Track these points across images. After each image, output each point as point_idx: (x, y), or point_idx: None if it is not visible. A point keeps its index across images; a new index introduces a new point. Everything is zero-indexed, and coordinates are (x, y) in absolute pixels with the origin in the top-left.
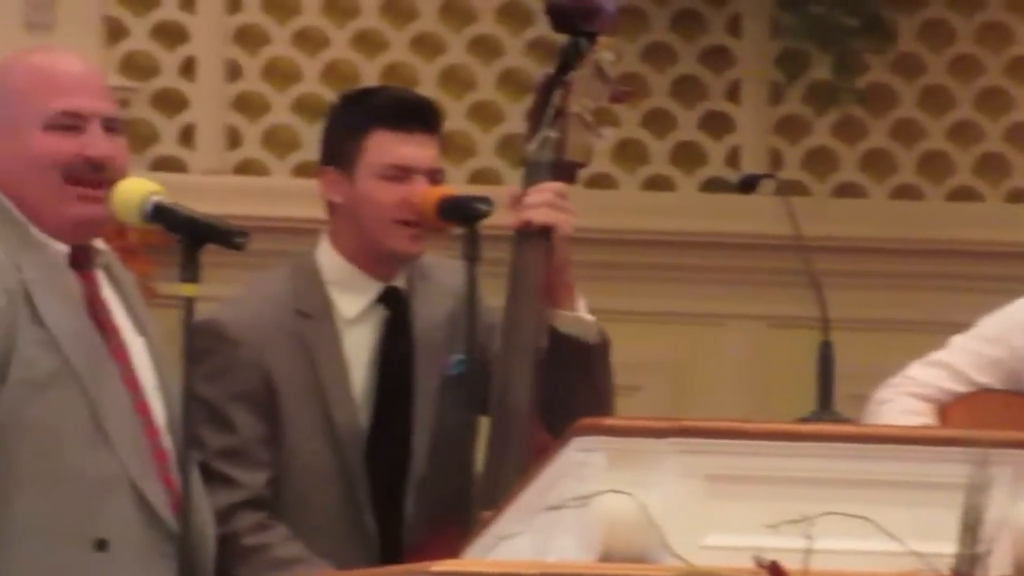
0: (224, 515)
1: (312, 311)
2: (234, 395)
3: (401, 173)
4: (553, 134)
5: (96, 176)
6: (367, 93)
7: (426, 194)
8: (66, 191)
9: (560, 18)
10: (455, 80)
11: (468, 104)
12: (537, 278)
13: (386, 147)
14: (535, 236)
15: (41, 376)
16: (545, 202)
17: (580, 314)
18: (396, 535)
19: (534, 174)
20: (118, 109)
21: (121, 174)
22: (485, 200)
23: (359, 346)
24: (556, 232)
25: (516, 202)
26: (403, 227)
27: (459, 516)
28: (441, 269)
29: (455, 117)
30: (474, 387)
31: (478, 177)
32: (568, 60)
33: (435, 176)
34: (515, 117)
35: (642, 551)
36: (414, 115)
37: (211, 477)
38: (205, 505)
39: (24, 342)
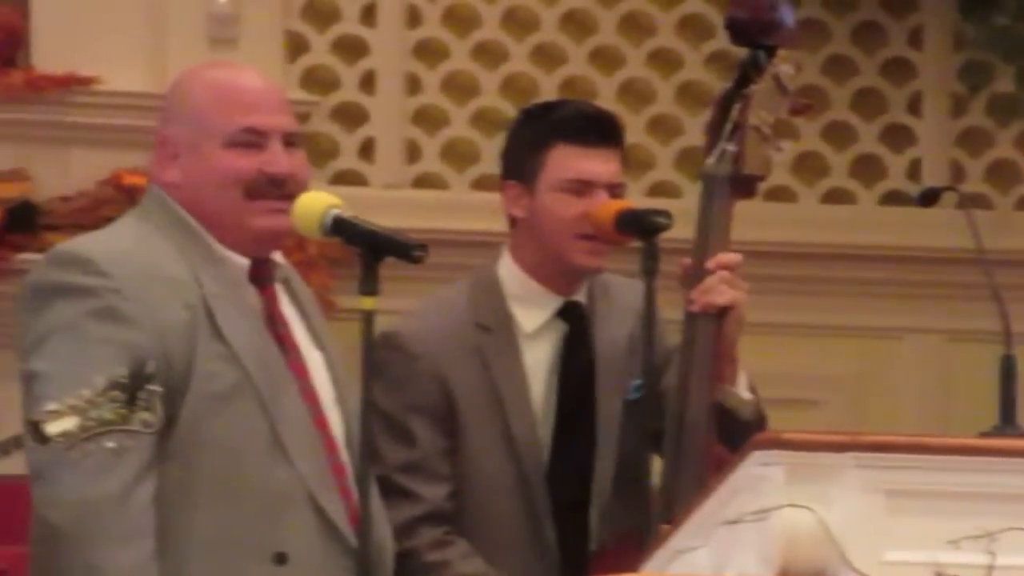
0: (404, 530)
1: (492, 324)
2: (414, 408)
3: (582, 187)
4: (731, 147)
5: (277, 191)
6: (549, 107)
7: (604, 207)
8: (247, 206)
9: (740, 32)
10: (634, 93)
11: (647, 117)
12: (709, 354)
13: (568, 161)
14: (712, 314)
15: (221, 390)
16: (723, 280)
17: (740, 391)
18: (577, 549)
19: (712, 188)
20: (297, 124)
21: (301, 188)
22: (664, 213)
23: (538, 360)
24: (732, 311)
25: (690, 277)
26: (584, 241)
27: (639, 530)
28: (622, 288)
29: (634, 130)
30: (652, 412)
31: (657, 190)
32: (747, 73)
33: (616, 190)
34: (694, 130)
35: (821, 566)
36: (596, 129)
37: (391, 491)
38: (384, 519)
39: (205, 356)
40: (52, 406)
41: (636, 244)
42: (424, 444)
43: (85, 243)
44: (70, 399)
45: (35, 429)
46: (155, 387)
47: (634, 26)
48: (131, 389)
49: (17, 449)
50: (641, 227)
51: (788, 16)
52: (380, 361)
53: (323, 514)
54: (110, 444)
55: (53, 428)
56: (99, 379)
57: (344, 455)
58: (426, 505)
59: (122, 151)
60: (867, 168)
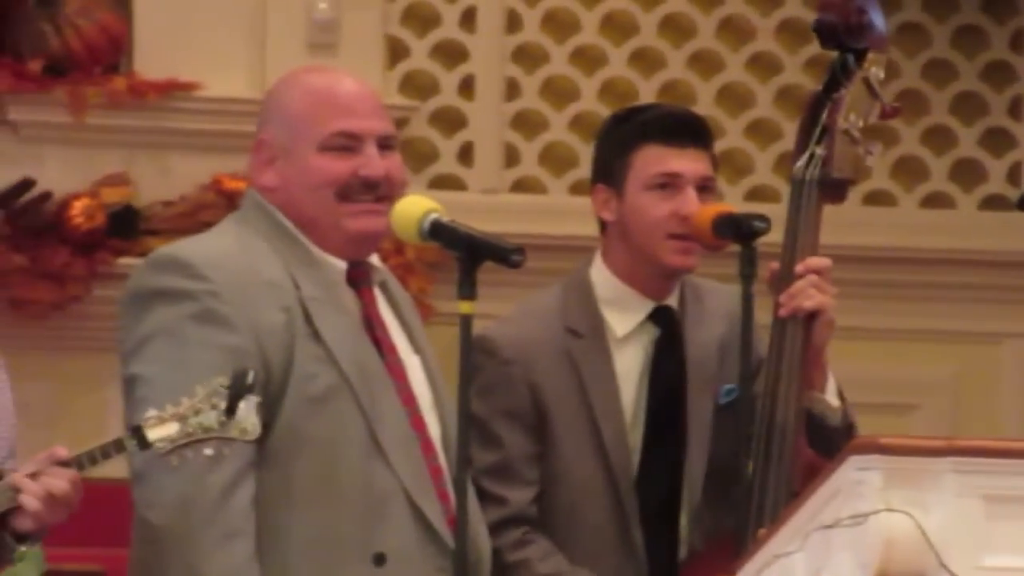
0: (489, 531)
1: (583, 330)
2: (503, 412)
3: (670, 181)
4: (821, 151)
5: (370, 194)
6: (636, 110)
7: (702, 212)
8: (341, 208)
9: (828, 35)
10: (732, 97)
11: (745, 122)
12: (798, 359)
13: (655, 159)
14: (800, 319)
15: (319, 391)
16: (811, 284)
17: (828, 397)
18: (666, 554)
19: (801, 191)
20: (394, 127)
21: (398, 191)
22: (762, 218)
23: (629, 364)
24: (821, 316)
25: (778, 281)
26: (675, 240)
27: (730, 535)
28: (713, 292)
29: (732, 134)
30: (745, 416)
31: (755, 194)
32: (837, 77)
33: (706, 185)
34: (792, 134)
35: (919, 571)
36: (683, 129)
37: (480, 494)
38: (481, 521)
39: (303, 358)
40: (153, 412)
41: (733, 248)
42: (511, 448)
43: (185, 247)
44: (171, 406)
45: (137, 434)
46: (254, 396)
47: (733, 30)
48: (231, 398)
49: (117, 452)
50: (739, 231)
51: (878, 19)
52: (473, 365)
53: (421, 515)
54: (208, 451)
55: (154, 434)
56: (200, 387)
57: (441, 457)
58: (510, 508)
59: (222, 156)
60: (966, 172)
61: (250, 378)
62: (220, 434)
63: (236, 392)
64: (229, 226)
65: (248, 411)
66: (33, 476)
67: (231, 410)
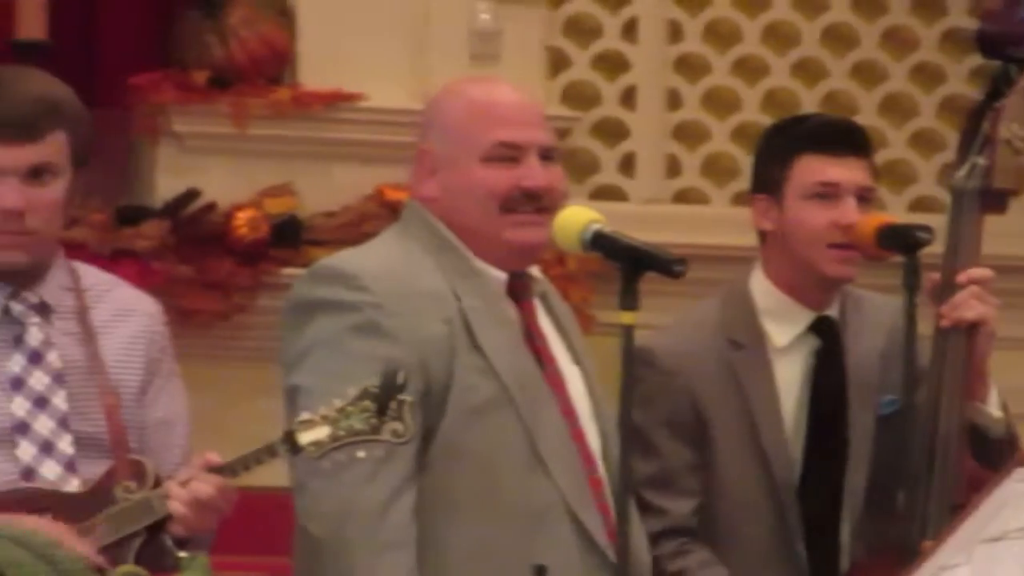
0: (649, 541)
1: (744, 340)
2: (663, 422)
3: (830, 191)
4: (982, 161)
5: (532, 205)
6: (795, 120)
7: (865, 222)
8: (504, 220)
9: (989, 45)
10: (895, 108)
11: (909, 132)
12: (960, 370)
13: (814, 168)
14: (961, 330)
15: (479, 403)
16: (973, 295)
17: (991, 409)
18: (828, 566)
19: (962, 202)
20: (555, 138)
21: (559, 202)
22: (926, 228)
23: (789, 375)
24: (982, 327)
25: (939, 292)
26: (835, 250)
27: (893, 547)
28: (874, 303)
29: (896, 145)
30: (907, 427)
31: (918, 205)
32: (998, 86)
33: (866, 194)
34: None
35: None
36: (842, 138)
37: (640, 505)
38: (642, 534)
39: (463, 369)
40: (306, 416)
41: (891, 259)
42: (671, 458)
43: (347, 258)
44: (322, 409)
45: (289, 438)
46: (406, 397)
47: (896, 40)
48: (382, 399)
49: (270, 458)
50: (903, 242)
51: None
52: (633, 376)
53: (581, 527)
54: (360, 453)
55: (305, 437)
56: (351, 388)
57: (601, 469)
58: (670, 519)
59: (385, 167)
60: None
61: (401, 378)
62: (371, 436)
63: (386, 393)
64: (390, 237)
65: (399, 412)
66: (184, 483)
67: (382, 411)
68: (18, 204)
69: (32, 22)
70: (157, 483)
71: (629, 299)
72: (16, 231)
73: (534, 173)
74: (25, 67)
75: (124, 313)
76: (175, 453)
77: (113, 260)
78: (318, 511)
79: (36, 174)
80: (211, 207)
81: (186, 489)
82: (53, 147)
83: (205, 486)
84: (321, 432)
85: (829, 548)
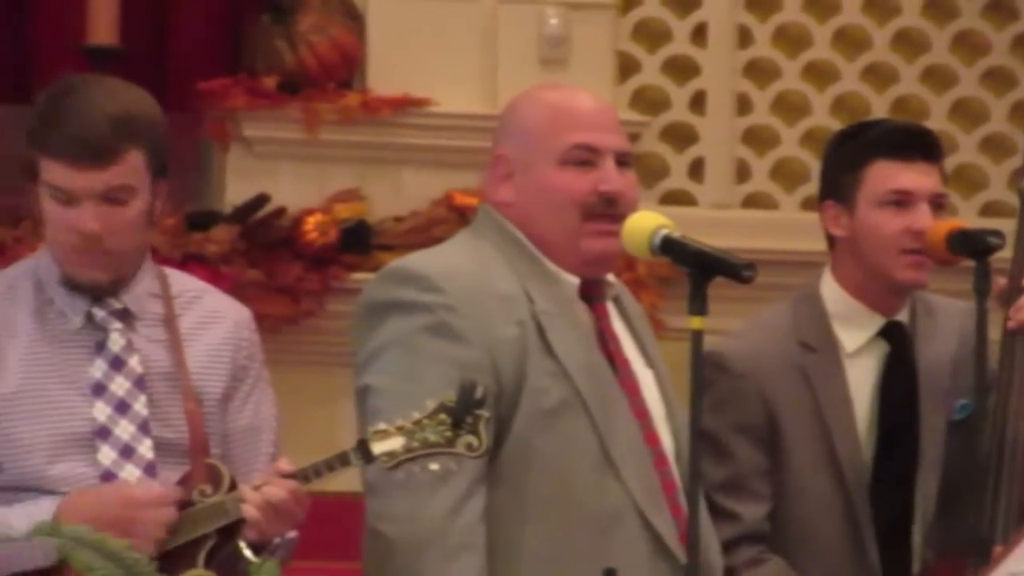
0: (723, 549)
1: (815, 344)
2: (735, 427)
3: (903, 198)
4: None
5: (609, 211)
6: (865, 126)
7: (935, 227)
8: (583, 227)
9: None
10: (966, 112)
11: (979, 136)
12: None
13: (886, 175)
14: None
15: (551, 406)
16: None
17: None
18: (900, 570)
19: None
20: (629, 143)
21: (631, 209)
22: (996, 233)
23: (861, 380)
24: None
25: (1007, 296)
26: (907, 256)
27: (965, 551)
28: (946, 308)
29: (966, 150)
30: (978, 431)
31: (989, 210)
32: None
33: (938, 201)
34: None
35: None
36: (914, 144)
37: (711, 509)
38: (713, 537)
39: (535, 372)
40: (381, 426)
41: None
42: (744, 463)
43: (419, 260)
44: (399, 420)
45: (362, 448)
46: (483, 412)
47: (966, 45)
48: (459, 413)
49: (342, 466)
50: (973, 247)
51: None
52: (704, 380)
53: (652, 531)
54: (434, 466)
55: (379, 448)
56: (429, 401)
57: (674, 471)
58: (744, 525)
59: (454, 171)
60: None
61: (479, 392)
62: (446, 449)
63: (464, 407)
64: (463, 239)
65: (475, 426)
66: (258, 487)
67: (458, 425)
68: (95, 228)
69: (104, 28)
70: (232, 487)
71: (698, 304)
72: (96, 252)
73: (611, 177)
74: (99, 77)
75: (211, 320)
76: (261, 460)
77: (183, 265)
78: (388, 513)
79: (113, 195)
80: (281, 212)
81: (259, 493)
82: (129, 167)
83: (278, 490)
84: (395, 443)
85: (901, 552)
